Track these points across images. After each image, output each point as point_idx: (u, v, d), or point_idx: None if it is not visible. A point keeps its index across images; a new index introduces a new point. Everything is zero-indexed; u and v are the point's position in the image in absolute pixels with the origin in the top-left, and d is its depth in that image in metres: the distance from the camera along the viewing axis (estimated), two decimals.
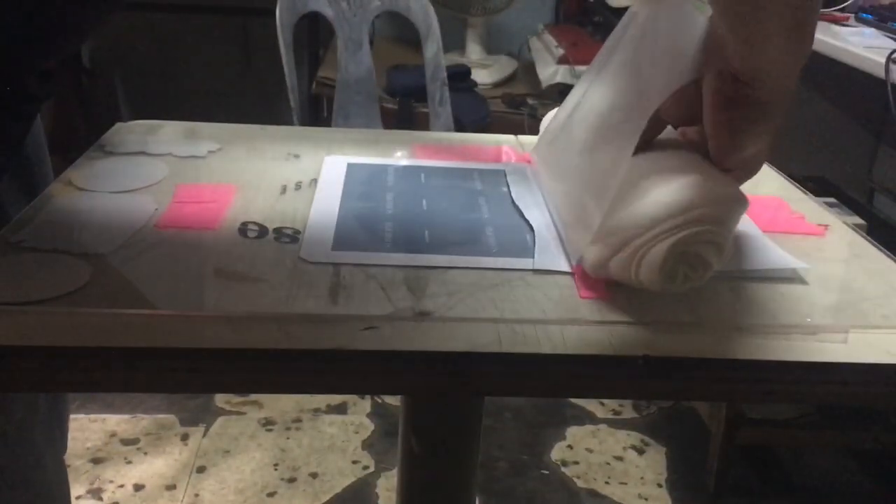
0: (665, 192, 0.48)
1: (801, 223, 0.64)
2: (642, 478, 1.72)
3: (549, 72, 2.39)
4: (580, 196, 0.55)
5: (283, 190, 0.63)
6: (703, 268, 0.48)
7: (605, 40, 0.58)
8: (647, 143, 0.52)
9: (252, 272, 0.51)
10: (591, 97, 0.58)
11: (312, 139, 0.76)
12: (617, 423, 1.88)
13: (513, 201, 0.64)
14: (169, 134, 0.74)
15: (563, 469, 1.73)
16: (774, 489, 1.72)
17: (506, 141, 0.78)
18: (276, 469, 1.67)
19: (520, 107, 2.35)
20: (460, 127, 2.02)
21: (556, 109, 0.65)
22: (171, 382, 0.46)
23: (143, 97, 2.80)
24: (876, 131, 2.06)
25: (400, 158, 0.72)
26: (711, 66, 0.48)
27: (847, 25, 1.65)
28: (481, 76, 2.44)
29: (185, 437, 1.74)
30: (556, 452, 1.78)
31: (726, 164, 0.51)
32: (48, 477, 0.73)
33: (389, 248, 0.55)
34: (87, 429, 1.74)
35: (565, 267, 0.53)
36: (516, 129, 0.76)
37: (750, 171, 0.53)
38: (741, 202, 0.50)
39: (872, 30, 1.61)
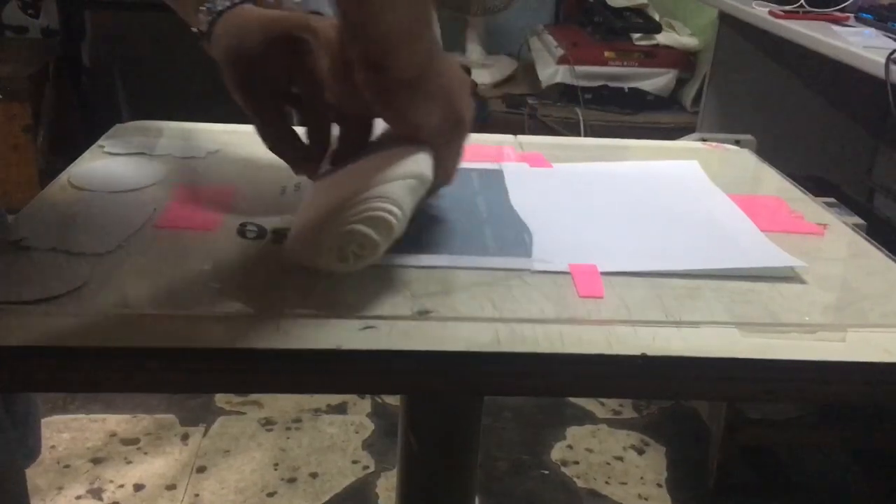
0: (343, 184, 0.51)
1: (801, 223, 0.64)
2: (642, 478, 1.72)
3: (549, 72, 2.39)
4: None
5: (283, 191, 0.63)
6: (370, 245, 0.49)
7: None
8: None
9: (251, 272, 0.51)
10: None
11: None
12: (617, 423, 1.88)
13: (511, 201, 0.64)
14: (168, 135, 0.74)
15: (563, 469, 1.73)
16: (774, 489, 1.72)
17: (505, 141, 0.78)
18: (276, 469, 1.67)
19: (520, 107, 2.35)
20: None
21: None
22: (171, 382, 0.46)
23: (143, 97, 2.80)
24: (876, 131, 2.06)
25: None
26: (358, 67, 0.49)
27: (847, 25, 1.65)
28: (481, 76, 2.44)
29: (185, 437, 1.74)
30: (556, 452, 1.78)
31: (422, 141, 0.51)
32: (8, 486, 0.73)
33: (389, 248, 0.55)
34: (87, 429, 1.74)
35: (564, 267, 0.53)
36: (516, 129, 0.76)
37: (453, 132, 0.53)
38: (416, 176, 0.50)
39: (872, 30, 1.61)
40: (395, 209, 0.48)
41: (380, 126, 0.56)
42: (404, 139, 0.52)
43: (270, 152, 0.71)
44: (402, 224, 0.49)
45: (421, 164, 0.51)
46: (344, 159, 0.54)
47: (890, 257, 0.59)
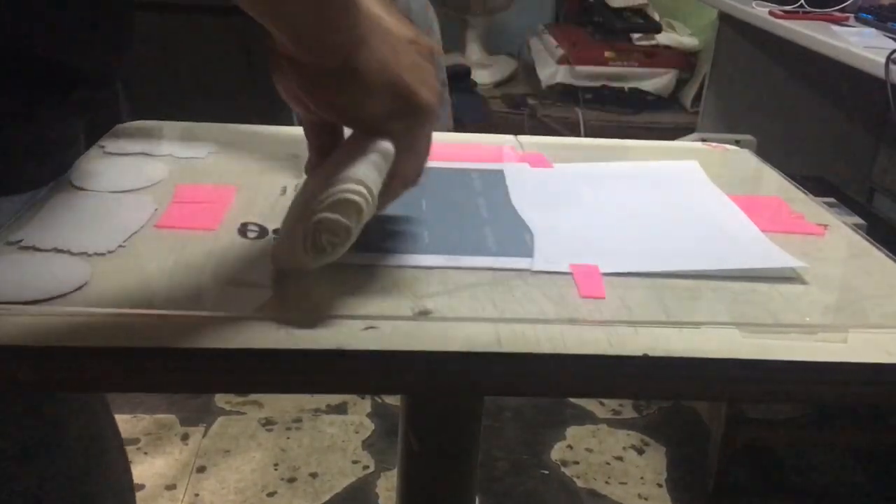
0: (309, 185, 0.50)
1: (801, 223, 0.64)
2: (642, 478, 1.72)
3: (549, 72, 2.39)
4: None
5: (283, 191, 0.63)
6: (342, 230, 0.47)
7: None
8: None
9: (252, 272, 0.51)
10: None
11: None
12: (617, 423, 1.88)
13: (512, 202, 0.64)
14: (169, 134, 0.74)
15: (563, 469, 1.73)
16: (774, 489, 1.72)
17: (506, 141, 0.78)
18: (276, 469, 1.67)
19: (520, 107, 2.35)
20: (460, 127, 2.02)
21: None
22: (171, 382, 0.46)
23: (143, 97, 2.80)
24: (876, 131, 2.06)
25: None
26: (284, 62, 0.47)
27: (847, 25, 1.65)
28: (481, 76, 2.44)
29: (185, 437, 1.74)
30: (556, 452, 1.78)
31: (377, 131, 0.49)
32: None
33: (389, 248, 0.55)
34: None
35: (564, 267, 0.53)
36: (516, 129, 0.76)
37: (409, 118, 0.49)
38: (376, 151, 0.49)
39: (872, 30, 1.61)
40: (358, 188, 0.47)
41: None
42: (363, 134, 0.50)
43: (272, 152, 0.71)
44: (370, 202, 0.48)
45: (379, 143, 0.50)
46: (315, 168, 0.53)
47: (890, 257, 0.59)
